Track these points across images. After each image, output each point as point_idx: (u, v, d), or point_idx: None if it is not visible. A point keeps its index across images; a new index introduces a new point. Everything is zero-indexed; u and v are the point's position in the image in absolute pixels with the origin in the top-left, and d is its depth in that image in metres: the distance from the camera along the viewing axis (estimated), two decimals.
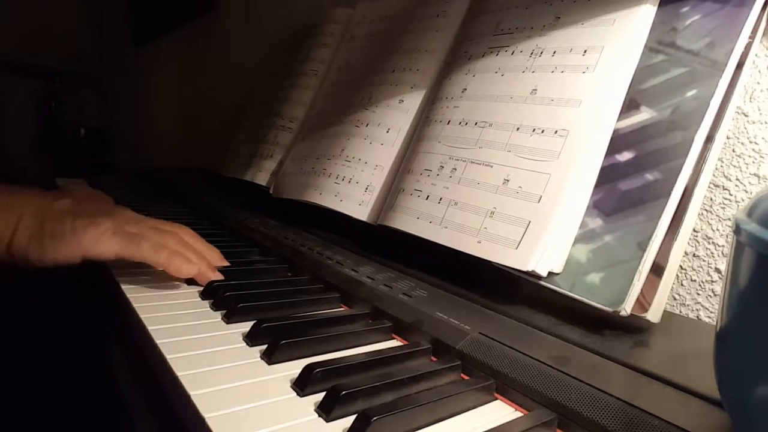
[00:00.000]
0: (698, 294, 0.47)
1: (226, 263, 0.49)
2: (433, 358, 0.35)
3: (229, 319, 0.38)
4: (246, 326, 0.36)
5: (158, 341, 0.34)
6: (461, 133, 0.48)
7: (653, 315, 0.36)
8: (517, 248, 0.39)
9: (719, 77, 0.36)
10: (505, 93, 0.46)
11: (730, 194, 0.45)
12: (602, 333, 0.36)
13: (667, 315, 0.39)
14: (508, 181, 0.42)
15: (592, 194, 0.39)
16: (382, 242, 0.52)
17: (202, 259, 0.46)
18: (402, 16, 0.67)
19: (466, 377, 0.32)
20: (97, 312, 0.55)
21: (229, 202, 0.79)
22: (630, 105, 0.40)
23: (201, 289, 0.44)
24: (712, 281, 0.46)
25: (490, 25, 0.52)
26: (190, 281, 0.46)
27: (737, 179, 0.45)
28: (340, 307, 0.44)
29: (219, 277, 0.46)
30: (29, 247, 0.42)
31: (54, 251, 0.41)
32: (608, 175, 0.39)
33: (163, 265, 0.43)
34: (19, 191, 0.45)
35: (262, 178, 0.76)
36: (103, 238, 0.42)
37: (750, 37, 0.37)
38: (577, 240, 0.39)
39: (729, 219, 0.45)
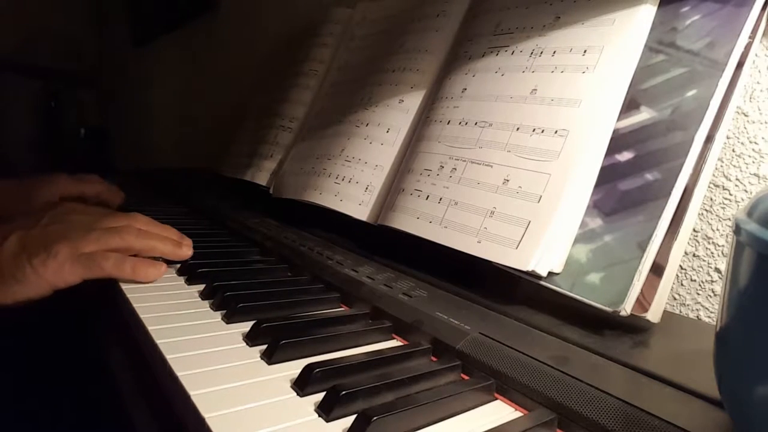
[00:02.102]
0: (698, 294, 0.47)
1: (186, 240, 0.50)
2: (433, 358, 0.35)
3: (229, 319, 0.38)
4: (246, 326, 0.36)
5: (158, 341, 0.34)
6: (461, 133, 0.48)
7: (653, 315, 0.36)
8: (517, 248, 0.39)
9: (719, 77, 0.36)
10: (505, 93, 0.46)
11: (730, 194, 0.45)
12: (602, 333, 0.36)
13: (667, 315, 0.39)
14: (508, 181, 0.42)
15: (592, 194, 0.39)
16: (382, 242, 0.52)
17: (165, 240, 0.48)
18: (402, 16, 0.67)
19: (466, 377, 0.32)
20: (96, 312, 0.55)
21: (229, 202, 0.79)
22: (630, 105, 0.40)
23: (201, 289, 0.44)
24: (712, 281, 0.46)
25: (490, 25, 0.52)
26: (190, 280, 0.46)
27: (737, 179, 0.45)
28: (340, 307, 0.44)
29: (189, 252, 0.48)
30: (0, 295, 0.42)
31: (23, 293, 0.42)
32: (608, 175, 0.39)
33: (129, 278, 0.44)
34: None
35: (262, 178, 0.76)
36: (65, 269, 0.42)
37: (750, 37, 0.37)
38: (577, 240, 0.39)
39: (729, 219, 0.45)
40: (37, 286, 0.42)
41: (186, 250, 0.48)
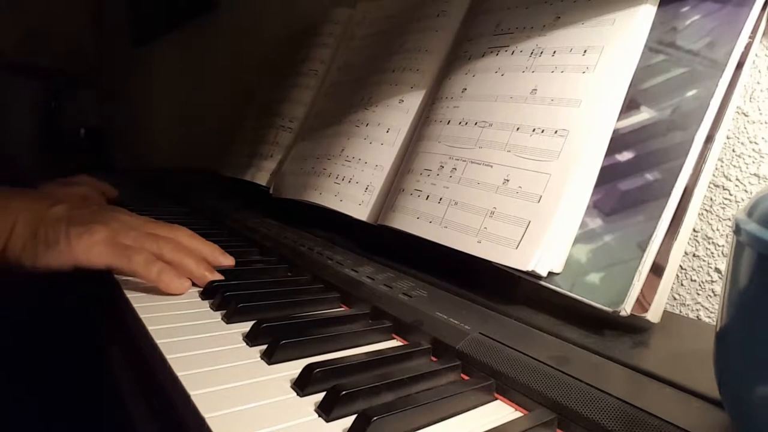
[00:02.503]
0: (698, 294, 0.47)
1: (230, 259, 0.49)
2: (433, 358, 0.35)
3: (229, 319, 0.38)
4: (246, 326, 0.36)
5: (158, 341, 0.34)
6: (461, 133, 0.48)
7: (653, 315, 0.36)
8: (517, 248, 0.39)
9: (719, 77, 0.36)
10: (505, 93, 0.46)
11: (730, 194, 0.45)
12: (602, 333, 0.36)
13: (667, 315, 0.39)
14: (508, 181, 0.42)
15: (592, 194, 0.39)
16: (382, 242, 0.52)
17: (201, 261, 0.46)
18: (402, 16, 0.67)
19: (466, 377, 0.32)
20: (96, 312, 0.55)
21: (229, 202, 0.79)
22: (630, 105, 0.40)
23: (201, 289, 0.44)
24: (712, 281, 0.46)
25: (490, 25, 0.52)
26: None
27: (737, 179, 0.45)
28: (340, 307, 0.44)
29: (218, 277, 0.45)
30: (23, 253, 0.42)
31: (46, 258, 0.42)
32: (608, 175, 0.39)
33: (153, 281, 0.42)
34: (15, 195, 0.45)
35: (262, 178, 0.76)
36: (95, 248, 0.42)
37: (750, 37, 0.37)
38: (577, 240, 0.39)
39: (729, 219, 0.45)
40: (63, 256, 0.42)
41: (213, 277, 0.45)
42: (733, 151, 0.45)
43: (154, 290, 0.43)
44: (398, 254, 0.50)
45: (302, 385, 0.29)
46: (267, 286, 0.45)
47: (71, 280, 0.45)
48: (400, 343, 0.37)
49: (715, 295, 0.46)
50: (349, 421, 0.26)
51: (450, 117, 0.50)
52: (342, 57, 0.75)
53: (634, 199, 0.37)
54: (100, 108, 2.76)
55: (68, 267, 0.42)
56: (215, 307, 0.41)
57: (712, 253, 0.46)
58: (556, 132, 0.41)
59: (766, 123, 0.43)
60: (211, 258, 0.48)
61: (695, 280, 0.47)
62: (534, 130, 0.42)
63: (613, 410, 0.26)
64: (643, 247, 0.36)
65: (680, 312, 0.48)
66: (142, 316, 0.38)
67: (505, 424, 0.27)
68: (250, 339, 0.35)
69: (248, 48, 1.31)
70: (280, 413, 0.27)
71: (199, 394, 0.27)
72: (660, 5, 0.41)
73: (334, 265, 0.49)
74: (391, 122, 0.58)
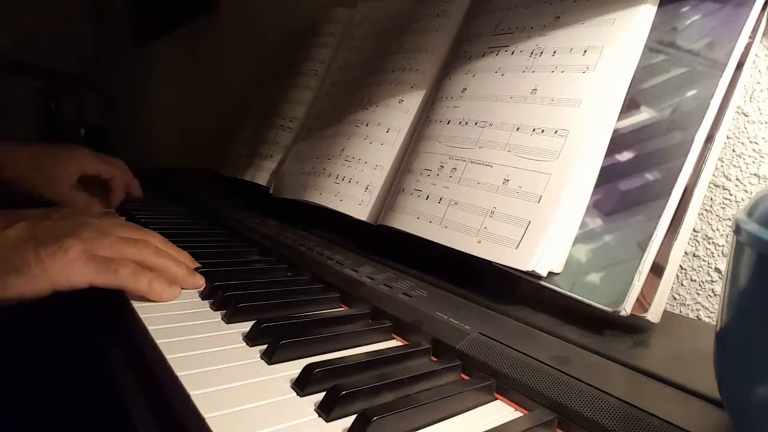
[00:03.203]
0: (698, 294, 0.47)
1: (197, 264, 0.47)
2: (433, 358, 0.35)
3: (229, 319, 0.38)
4: (246, 326, 0.36)
5: (158, 341, 0.34)
6: (461, 132, 0.48)
7: (653, 315, 0.36)
8: (517, 248, 0.39)
9: (719, 77, 0.36)
10: (505, 93, 0.46)
11: (730, 194, 0.45)
12: (602, 333, 0.36)
13: (667, 315, 0.39)
14: (508, 181, 0.42)
15: (592, 194, 0.39)
16: (382, 242, 0.52)
17: (180, 264, 0.44)
18: (402, 16, 0.67)
19: (466, 377, 0.32)
20: (96, 312, 0.55)
21: (228, 202, 0.79)
22: (630, 105, 0.40)
23: (201, 289, 0.44)
24: (712, 281, 0.46)
25: (490, 25, 0.52)
26: None
27: (737, 179, 0.45)
28: (340, 307, 0.44)
29: (202, 280, 0.44)
30: None
31: (19, 287, 0.37)
32: (608, 175, 0.39)
33: (144, 293, 0.40)
34: None
35: (261, 178, 0.76)
36: (74, 267, 0.38)
37: (750, 37, 0.37)
38: (577, 240, 0.39)
39: (729, 219, 0.45)
40: (37, 281, 0.37)
41: (199, 280, 0.44)
42: (733, 151, 0.45)
43: None
44: (398, 254, 0.50)
45: (302, 385, 0.29)
46: (267, 286, 0.45)
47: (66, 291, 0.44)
48: (400, 343, 0.37)
49: (715, 295, 0.46)
50: (349, 421, 0.26)
51: (450, 117, 0.50)
52: (342, 57, 0.75)
53: (634, 199, 0.37)
54: (100, 108, 2.76)
55: (45, 292, 0.38)
56: (215, 307, 0.41)
57: (712, 253, 0.46)
58: (556, 132, 0.41)
59: (766, 123, 0.43)
60: (187, 263, 0.46)
61: (695, 280, 0.47)
62: (534, 130, 0.42)
63: (613, 410, 0.26)
64: (643, 247, 0.36)
65: (680, 312, 0.48)
66: (142, 316, 0.38)
67: (505, 424, 0.27)
68: (250, 339, 0.35)
69: (248, 48, 1.31)
70: (280, 413, 0.27)
71: (199, 394, 0.27)
72: (660, 5, 0.41)
73: (334, 265, 0.49)
74: (391, 122, 0.58)
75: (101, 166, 0.69)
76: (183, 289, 0.43)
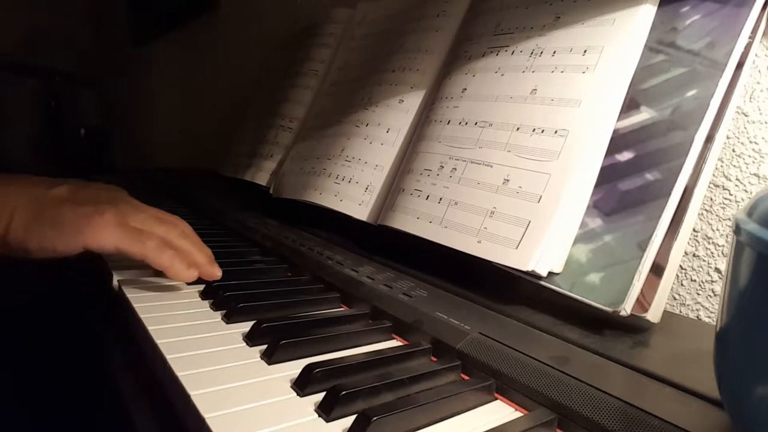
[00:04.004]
0: (698, 294, 0.47)
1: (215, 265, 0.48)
2: (433, 358, 0.35)
3: (229, 319, 0.38)
4: (246, 326, 0.36)
5: (158, 341, 0.34)
6: (461, 133, 0.48)
7: (653, 315, 0.36)
8: (517, 248, 0.39)
9: (719, 77, 0.36)
10: (505, 93, 0.46)
11: (730, 194, 0.45)
12: (602, 333, 0.36)
13: (667, 315, 0.39)
14: (508, 181, 0.42)
15: (592, 194, 0.39)
16: (382, 242, 0.52)
17: (203, 251, 0.45)
18: (402, 16, 0.67)
19: (466, 377, 0.32)
20: (97, 312, 0.55)
21: (229, 202, 0.79)
22: (630, 105, 0.40)
23: (201, 289, 0.44)
24: (712, 281, 0.46)
25: (490, 25, 0.52)
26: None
27: (737, 179, 0.45)
28: (340, 307, 0.44)
29: (220, 272, 0.45)
30: (27, 236, 0.39)
31: (54, 240, 0.39)
32: (608, 175, 0.39)
33: (164, 267, 0.41)
34: (12, 180, 0.42)
35: (262, 178, 0.76)
36: (106, 230, 0.40)
37: (750, 37, 0.37)
38: (577, 240, 0.39)
39: (729, 219, 0.45)
40: (71, 238, 0.39)
41: (217, 270, 0.45)
42: (733, 151, 0.45)
43: (154, 289, 0.43)
44: (398, 254, 0.50)
45: (302, 385, 0.29)
46: (267, 286, 0.45)
47: (71, 278, 0.45)
48: (400, 343, 0.37)
49: (715, 295, 0.46)
50: (349, 421, 0.26)
51: (450, 117, 0.50)
52: (342, 57, 0.75)
53: (634, 199, 0.37)
54: (100, 108, 2.76)
55: (77, 249, 0.40)
56: (215, 307, 0.41)
57: (712, 253, 0.46)
58: (556, 132, 0.41)
59: (766, 123, 0.43)
60: (208, 255, 0.47)
61: (695, 280, 0.47)
62: (534, 130, 0.42)
63: (613, 410, 0.26)
64: (643, 247, 0.36)
65: (680, 312, 0.48)
66: (142, 316, 0.38)
67: (505, 424, 0.27)
68: (250, 339, 0.35)
69: (248, 48, 1.31)
70: (280, 413, 0.27)
71: (199, 394, 0.28)
72: (660, 5, 0.41)
73: (334, 265, 0.49)
74: (391, 122, 0.58)
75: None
76: (201, 276, 0.44)
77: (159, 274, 0.46)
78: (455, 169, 0.47)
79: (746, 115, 0.44)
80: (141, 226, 0.42)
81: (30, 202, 0.40)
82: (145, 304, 0.40)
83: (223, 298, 0.41)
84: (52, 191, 0.42)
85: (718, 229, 0.46)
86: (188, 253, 0.44)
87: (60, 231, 0.39)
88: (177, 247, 0.43)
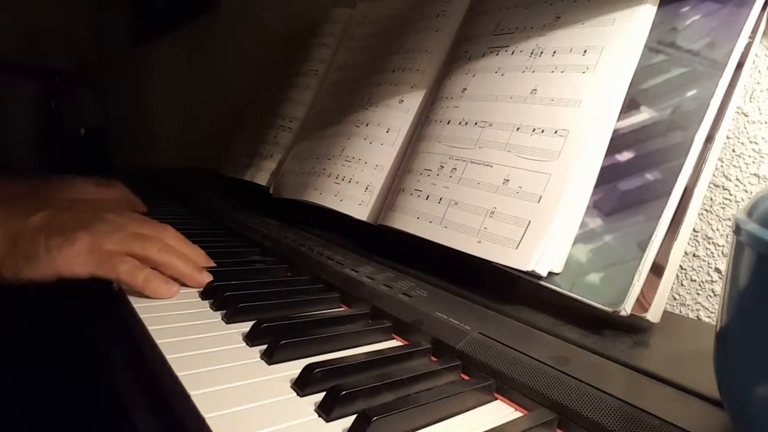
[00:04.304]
0: (698, 294, 0.47)
1: (211, 263, 0.48)
2: (433, 358, 0.35)
3: (229, 319, 0.38)
4: (246, 326, 0.36)
5: (158, 341, 0.34)
6: (461, 133, 0.48)
7: (653, 315, 0.36)
8: (517, 248, 0.39)
9: (719, 77, 0.36)
10: (505, 93, 0.46)
11: (730, 194, 0.45)
12: (602, 333, 0.36)
13: (667, 315, 0.39)
14: (508, 181, 0.42)
15: (592, 194, 0.39)
16: (382, 242, 0.52)
17: (188, 261, 0.45)
18: (402, 16, 0.67)
19: (466, 377, 0.32)
20: (96, 312, 0.55)
21: (228, 202, 0.79)
22: (630, 105, 0.40)
23: (201, 289, 0.44)
24: (712, 281, 0.46)
25: (490, 25, 0.52)
26: None
27: (737, 179, 0.45)
28: (340, 307, 0.44)
29: (208, 278, 0.45)
30: (3, 268, 0.41)
31: (27, 272, 0.41)
32: (608, 175, 0.39)
33: (139, 289, 0.41)
34: None
35: (262, 178, 0.76)
36: (78, 259, 0.41)
37: (750, 37, 0.37)
38: (577, 240, 0.39)
39: (729, 219, 0.45)
40: (44, 269, 0.41)
41: (204, 277, 0.45)
42: (733, 151, 0.45)
43: None
44: (398, 254, 0.50)
45: (302, 385, 0.29)
46: (267, 286, 0.45)
47: (70, 280, 0.45)
48: (400, 343, 0.37)
49: (715, 295, 0.46)
50: (349, 421, 0.26)
51: (450, 117, 0.50)
52: (342, 57, 0.75)
53: (634, 199, 0.37)
54: (100, 108, 2.76)
55: (51, 278, 0.41)
56: (215, 307, 0.41)
57: (712, 253, 0.46)
58: (556, 132, 0.41)
59: (766, 123, 0.43)
60: (197, 260, 0.47)
61: (695, 280, 0.47)
62: (534, 130, 0.42)
63: (613, 410, 0.26)
64: (643, 247, 0.36)
65: (680, 312, 0.48)
66: (142, 316, 0.38)
67: (505, 424, 0.27)
68: (250, 339, 0.35)
69: (248, 48, 1.31)
70: (280, 413, 0.27)
71: (199, 394, 0.27)
72: (660, 5, 0.41)
73: (334, 265, 0.49)
74: (391, 122, 0.58)
75: (102, 190, 0.69)
76: (186, 286, 0.44)
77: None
78: (455, 169, 0.47)
79: (746, 115, 0.44)
80: (116, 248, 0.43)
81: (7, 234, 0.42)
82: (145, 304, 0.40)
83: (223, 298, 0.41)
84: (29, 221, 0.42)
85: (718, 229, 0.46)
86: (168, 266, 0.44)
87: (33, 264, 0.41)
88: (157, 262, 0.43)
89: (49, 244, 0.41)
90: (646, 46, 0.41)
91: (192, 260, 0.46)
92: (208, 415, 0.26)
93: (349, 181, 0.58)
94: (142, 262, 0.43)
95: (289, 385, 0.30)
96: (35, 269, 0.41)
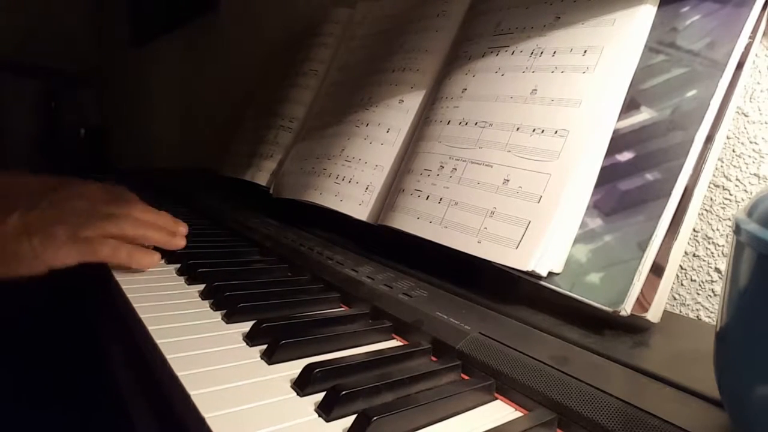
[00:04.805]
0: (698, 294, 0.47)
1: (181, 224, 0.53)
2: (433, 358, 0.35)
3: (229, 319, 0.38)
4: (246, 326, 0.36)
5: (158, 341, 0.34)
6: (461, 133, 0.48)
7: (653, 315, 0.36)
8: (517, 248, 0.39)
9: (719, 77, 0.36)
10: (505, 93, 0.46)
11: (730, 194, 0.45)
12: (602, 333, 0.36)
13: (667, 315, 0.39)
14: (508, 181, 0.42)
15: (592, 194, 0.39)
16: (382, 242, 0.52)
17: (161, 229, 0.50)
18: (402, 16, 0.67)
19: (466, 377, 0.32)
20: (96, 311, 0.55)
21: (229, 202, 0.79)
22: (630, 105, 0.40)
23: (201, 288, 0.44)
24: (712, 281, 0.46)
25: (490, 25, 0.52)
26: (190, 280, 0.46)
27: (737, 179, 0.45)
28: (340, 307, 0.44)
29: (183, 242, 0.51)
30: None
31: (18, 270, 0.44)
32: (608, 175, 0.39)
33: (124, 264, 0.46)
34: None
35: (262, 178, 0.76)
36: (62, 250, 0.44)
37: (750, 37, 0.37)
38: (577, 240, 0.39)
39: (729, 219, 0.45)
40: (35, 265, 0.44)
41: (179, 240, 0.51)
42: (733, 151, 0.45)
43: (154, 289, 0.43)
44: (398, 254, 0.50)
45: (302, 385, 0.29)
46: (267, 286, 0.45)
47: (71, 279, 0.46)
48: (400, 343, 0.37)
49: (715, 295, 0.46)
50: (349, 421, 0.26)
51: (450, 117, 0.50)
52: (342, 57, 0.75)
53: (634, 199, 0.37)
54: (100, 108, 2.76)
55: (42, 272, 0.44)
56: (215, 307, 0.41)
57: (712, 253, 0.46)
58: (556, 132, 0.41)
59: (766, 123, 0.43)
60: (168, 226, 0.52)
61: (695, 280, 0.47)
62: (534, 130, 0.42)
63: (613, 410, 0.26)
64: (643, 247, 0.36)
65: (680, 312, 0.48)
66: (142, 316, 0.38)
67: (505, 424, 0.27)
68: (250, 339, 0.35)
69: (248, 48, 1.31)
70: (280, 413, 0.27)
71: (199, 394, 0.27)
72: (660, 5, 0.41)
73: (334, 265, 0.49)
74: (391, 122, 0.58)
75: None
76: (165, 249, 0.50)
77: (158, 273, 0.46)
78: (455, 169, 0.47)
79: (746, 115, 0.44)
80: (93, 233, 0.46)
81: None
82: (145, 304, 0.40)
83: (223, 298, 0.41)
84: (7, 224, 0.45)
85: (718, 229, 0.46)
86: (145, 239, 0.49)
87: (22, 261, 0.44)
88: (133, 237, 0.48)
89: (33, 243, 0.44)
90: (646, 46, 0.41)
91: (164, 228, 0.51)
92: (208, 414, 0.26)
93: (349, 181, 0.58)
94: (120, 239, 0.47)
95: (289, 385, 0.30)
96: (24, 266, 0.44)
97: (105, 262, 0.46)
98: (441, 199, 0.46)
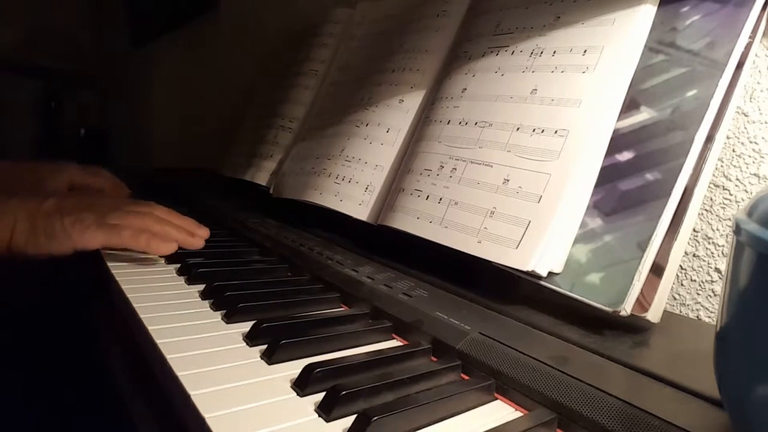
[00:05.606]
0: (698, 294, 0.47)
1: (204, 229, 0.56)
2: (433, 358, 0.35)
3: (229, 319, 0.38)
4: (246, 326, 0.36)
5: (158, 341, 0.34)
6: (461, 132, 0.48)
7: (653, 315, 0.36)
8: (517, 248, 0.39)
9: (719, 77, 0.36)
10: (505, 93, 0.46)
11: (730, 194, 0.45)
12: (602, 333, 0.36)
13: (667, 315, 0.39)
14: (508, 181, 0.42)
15: (592, 194, 0.39)
16: (382, 242, 0.52)
17: (180, 229, 0.53)
18: (402, 16, 0.67)
19: (466, 377, 0.32)
20: (96, 312, 0.55)
21: (229, 202, 0.79)
22: (630, 105, 0.40)
23: (201, 288, 0.44)
24: (712, 281, 0.46)
25: (490, 25, 0.52)
26: (190, 280, 0.46)
27: (737, 179, 0.45)
28: (340, 307, 0.44)
29: (201, 243, 0.54)
30: (27, 245, 0.48)
31: (48, 247, 0.48)
32: (608, 175, 0.39)
33: (143, 248, 0.49)
34: (9, 198, 0.51)
35: (262, 177, 0.76)
36: (88, 232, 0.48)
37: (750, 37, 0.37)
38: (577, 240, 0.39)
39: (729, 219, 0.45)
40: (63, 243, 0.47)
41: (198, 241, 0.54)
42: (733, 151, 0.45)
43: (154, 289, 0.43)
44: (398, 254, 0.50)
45: (302, 385, 0.29)
46: (267, 286, 0.45)
47: (70, 278, 0.46)
48: (400, 343, 0.37)
49: (715, 295, 0.46)
50: (349, 421, 0.26)
51: (450, 117, 0.50)
52: (342, 57, 0.75)
53: (634, 199, 0.37)
54: (100, 108, 2.76)
55: (68, 251, 0.48)
56: (215, 307, 0.41)
57: (712, 253, 0.46)
58: (556, 132, 0.41)
59: (766, 123, 0.43)
60: (190, 228, 0.55)
61: (695, 280, 0.47)
62: (534, 130, 0.42)
63: (613, 410, 0.26)
64: (643, 247, 0.36)
65: (680, 312, 0.48)
66: (142, 316, 0.38)
67: (505, 424, 0.27)
68: (250, 339, 0.35)
69: (248, 48, 1.31)
70: (280, 413, 0.27)
71: (199, 394, 0.27)
72: (660, 5, 0.41)
73: (334, 265, 0.49)
74: (391, 122, 0.58)
75: (89, 177, 0.75)
76: (182, 247, 0.52)
77: (158, 274, 0.46)
78: (455, 169, 0.47)
79: (746, 115, 0.44)
80: (118, 222, 0.50)
81: (27, 216, 0.48)
82: (145, 304, 0.40)
83: (223, 298, 0.41)
84: (44, 205, 0.49)
85: (718, 229, 0.46)
86: (164, 233, 0.51)
87: (52, 239, 0.48)
88: (153, 232, 0.51)
89: (64, 223, 0.48)
90: (646, 46, 0.41)
91: (184, 228, 0.54)
92: (208, 415, 0.26)
93: (349, 181, 0.58)
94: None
95: (289, 385, 0.30)
96: (55, 244, 0.47)
97: (125, 247, 0.49)
98: (441, 199, 0.46)
